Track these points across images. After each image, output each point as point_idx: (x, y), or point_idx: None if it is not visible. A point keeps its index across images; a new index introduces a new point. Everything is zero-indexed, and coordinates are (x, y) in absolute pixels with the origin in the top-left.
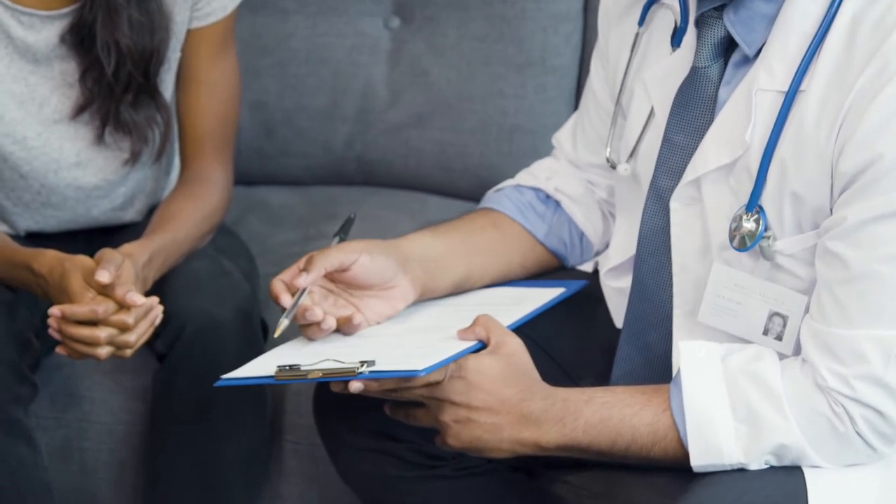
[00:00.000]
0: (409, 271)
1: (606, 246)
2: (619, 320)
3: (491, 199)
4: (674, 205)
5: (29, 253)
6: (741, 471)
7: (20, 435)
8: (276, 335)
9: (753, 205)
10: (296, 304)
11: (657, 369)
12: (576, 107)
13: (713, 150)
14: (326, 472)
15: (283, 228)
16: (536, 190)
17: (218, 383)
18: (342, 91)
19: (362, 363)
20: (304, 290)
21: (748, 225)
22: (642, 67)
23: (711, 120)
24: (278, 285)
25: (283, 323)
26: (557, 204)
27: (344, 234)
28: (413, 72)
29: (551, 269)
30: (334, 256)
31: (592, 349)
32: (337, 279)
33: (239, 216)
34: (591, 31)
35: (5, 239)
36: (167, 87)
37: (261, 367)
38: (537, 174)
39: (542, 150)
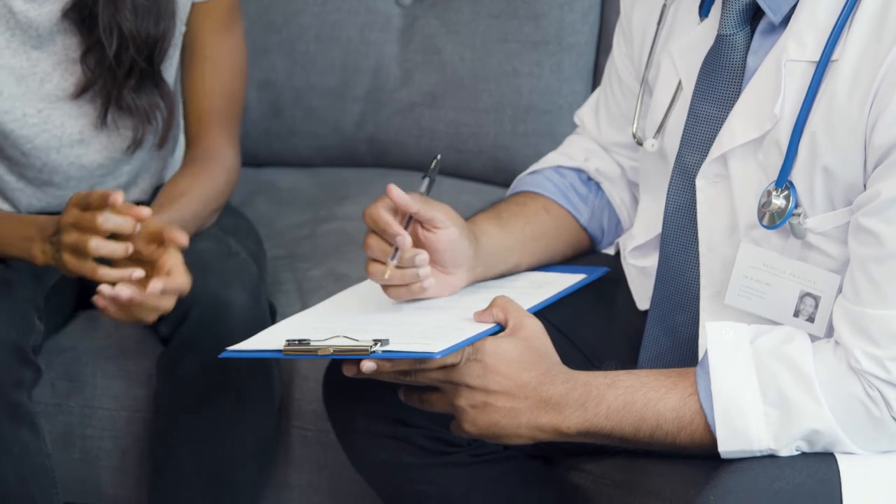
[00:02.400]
0: (472, 268)
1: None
2: (641, 302)
3: (532, 182)
4: (699, 182)
5: (23, 248)
6: (771, 457)
7: (24, 420)
8: (386, 276)
9: (783, 181)
10: (397, 251)
11: (685, 353)
12: (593, 86)
13: (741, 125)
14: (336, 459)
15: (291, 210)
16: (578, 171)
17: (223, 355)
18: (353, 70)
19: (375, 342)
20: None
21: (778, 202)
22: (669, 40)
23: (739, 90)
24: (386, 215)
25: (391, 265)
26: (598, 186)
27: (432, 175)
28: (426, 50)
29: (582, 253)
30: (433, 210)
31: (614, 333)
32: (415, 240)
33: (246, 198)
34: (608, 8)
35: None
36: (171, 63)
37: (268, 340)
38: (574, 156)
39: (558, 130)
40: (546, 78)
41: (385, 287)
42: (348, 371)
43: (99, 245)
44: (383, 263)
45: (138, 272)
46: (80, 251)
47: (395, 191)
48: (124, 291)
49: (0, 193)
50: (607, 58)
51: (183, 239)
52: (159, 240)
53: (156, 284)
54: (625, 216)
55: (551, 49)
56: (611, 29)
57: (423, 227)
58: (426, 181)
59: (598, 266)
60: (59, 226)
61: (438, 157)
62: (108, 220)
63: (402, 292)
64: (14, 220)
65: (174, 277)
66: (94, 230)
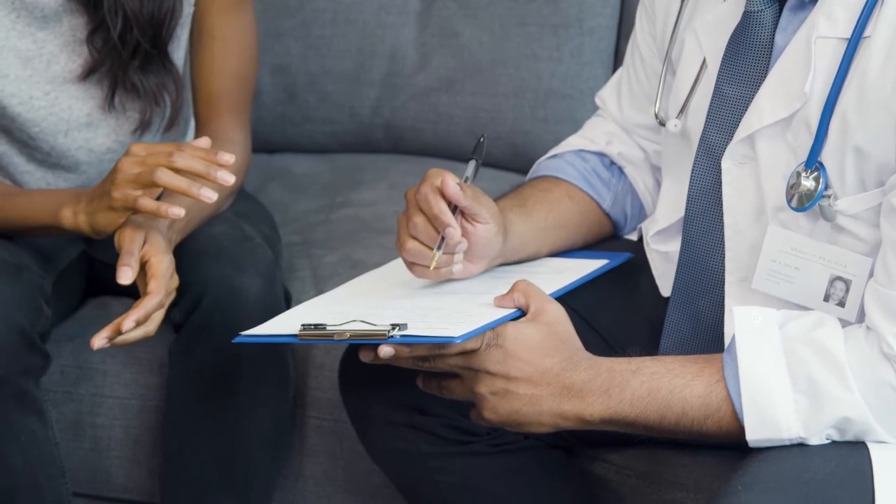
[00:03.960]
0: (494, 259)
1: None
2: (664, 288)
3: (553, 166)
4: (725, 164)
5: (52, 214)
6: (800, 446)
7: (31, 408)
8: (431, 268)
9: (813, 161)
10: (443, 240)
11: (707, 340)
12: (614, 70)
13: (769, 104)
14: (352, 449)
15: (306, 197)
16: (601, 155)
17: (236, 340)
18: (369, 54)
19: (393, 326)
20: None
21: (807, 183)
22: (693, 17)
23: (766, 69)
24: (440, 203)
25: (437, 255)
26: (621, 171)
27: (479, 156)
28: (443, 33)
29: (604, 239)
30: (481, 205)
31: (637, 320)
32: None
33: (260, 184)
34: None
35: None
36: (180, 44)
37: (283, 325)
38: (596, 139)
39: (579, 115)
40: (566, 62)
41: (411, 264)
42: (365, 357)
43: (163, 175)
44: (422, 243)
45: (176, 210)
46: (143, 181)
47: (450, 185)
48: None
49: (9, 176)
50: (629, 41)
51: (179, 212)
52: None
53: (128, 324)
54: (648, 201)
55: (571, 32)
56: (632, 11)
57: (464, 216)
58: (472, 164)
59: (620, 252)
60: (115, 168)
61: (483, 136)
62: (181, 157)
63: (430, 273)
64: (48, 191)
65: (148, 299)
66: (167, 165)
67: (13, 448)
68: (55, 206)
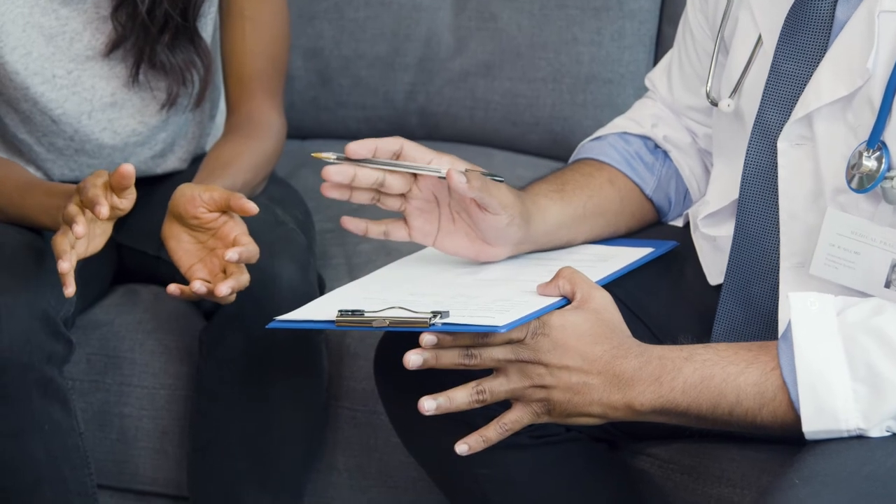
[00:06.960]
0: (517, 244)
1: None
2: (712, 276)
3: (594, 149)
4: (782, 145)
5: (55, 218)
6: (860, 438)
7: (55, 397)
8: (315, 154)
9: (875, 141)
10: (361, 161)
11: (760, 326)
12: (656, 54)
13: (828, 82)
14: (387, 441)
15: None
16: (645, 139)
17: (271, 325)
18: (403, 37)
19: (434, 314)
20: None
21: (869, 163)
22: None
23: (826, 45)
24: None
25: (327, 156)
26: (665, 155)
27: (492, 176)
28: (480, 16)
29: (648, 226)
30: (491, 196)
31: (683, 309)
32: (459, 207)
33: (292, 171)
34: None
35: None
36: (208, 21)
37: (319, 310)
38: (642, 122)
39: (620, 101)
40: (607, 46)
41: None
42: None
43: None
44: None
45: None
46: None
47: (454, 177)
48: (199, 288)
49: (32, 163)
50: (671, 25)
51: (252, 207)
52: (223, 208)
53: (231, 254)
54: (694, 187)
55: (612, 15)
56: None
57: (475, 203)
58: (488, 176)
59: (666, 239)
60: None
61: (502, 179)
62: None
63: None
64: (44, 190)
65: (247, 247)
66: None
67: (36, 438)
68: (55, 211)
